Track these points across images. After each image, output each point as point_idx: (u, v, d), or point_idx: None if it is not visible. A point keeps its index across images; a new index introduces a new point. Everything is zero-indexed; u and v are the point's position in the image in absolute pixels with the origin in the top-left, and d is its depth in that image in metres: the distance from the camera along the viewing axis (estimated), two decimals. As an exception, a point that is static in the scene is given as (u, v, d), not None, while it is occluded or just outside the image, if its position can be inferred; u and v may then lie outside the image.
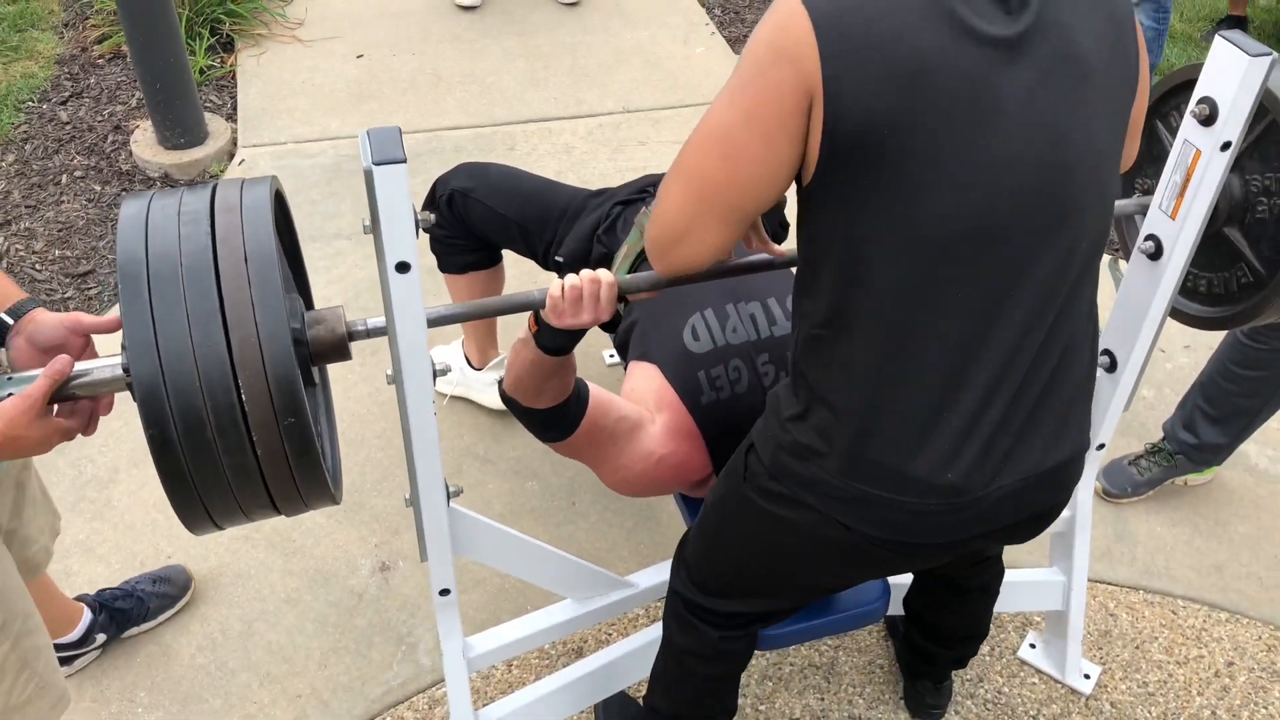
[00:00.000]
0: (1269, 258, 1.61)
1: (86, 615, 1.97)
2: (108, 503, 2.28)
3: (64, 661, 1.94)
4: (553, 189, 2.17)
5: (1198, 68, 1.52)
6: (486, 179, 2.14)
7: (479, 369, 2.49)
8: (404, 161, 1.12)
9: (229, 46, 3.81)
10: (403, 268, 1.18)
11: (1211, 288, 1.74)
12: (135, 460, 2.37)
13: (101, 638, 1.99)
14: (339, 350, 1.25)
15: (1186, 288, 1.77)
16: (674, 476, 1.69)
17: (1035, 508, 1.32)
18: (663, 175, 2.03)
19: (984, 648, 2.12)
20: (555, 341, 1.39)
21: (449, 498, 1.45)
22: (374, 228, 1.17)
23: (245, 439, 1.06)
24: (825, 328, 1.19)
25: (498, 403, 2.50)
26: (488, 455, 2.44)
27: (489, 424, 2.51)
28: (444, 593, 1.57)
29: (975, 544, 1.34)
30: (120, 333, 1.07)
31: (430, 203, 2.19)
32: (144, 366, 1.02)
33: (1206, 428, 2.32)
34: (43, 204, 3.11)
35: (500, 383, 1.55)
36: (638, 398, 1.71)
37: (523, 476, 2.40)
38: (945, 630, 1.83)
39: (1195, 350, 2.81)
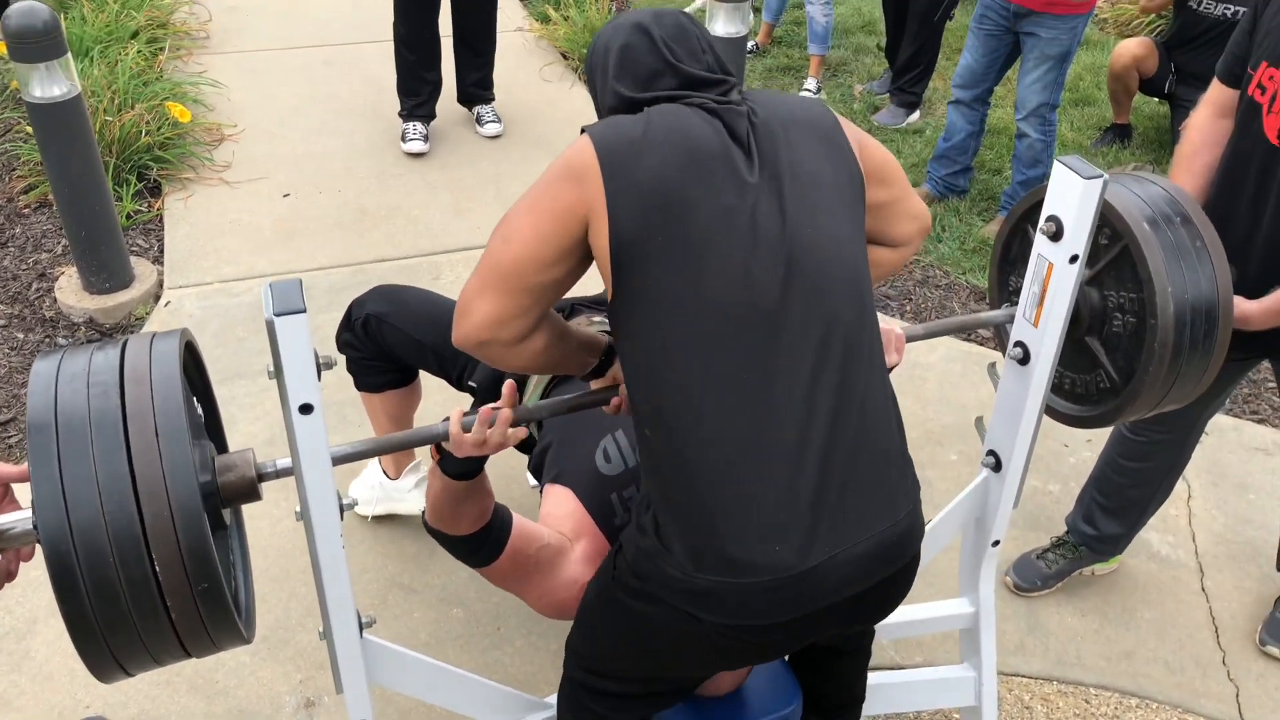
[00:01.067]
0: (1123, 368, 1.75)
1: None
2: (25, 654, 2.25)
3: None
4: None
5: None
6: (403, 304, 2.20)
7: (395, 479, 2.53)
8: (304, 311, 1.20)
9: (156, 191, 3.90)
10: (305, 409, 1.25)
11: (1075, 388, 1.87)
12: (54, 610, 2.34)
13: None
14: (249, 493, 1.30)
15: (1058, 386, 1.89)
16: None
17: (873, 576, 1.37)
18: (566, 300, 2.13)
19: (906, 748, 2.16)
20: (459, 468, 1.47)
21: (361, 628, 1.48)
22: (277, 374, 1.24)
23: (154, 588, 1.09)
24: (643, 429, 1.35)
25: (419, 507, 2.53)
26: (412, 584, 2.46)
27: (414, 552, 2.54)
28: (361, 725, 1.58)
29: (826, 624, 1.39)
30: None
31: (346, 325, 2.24)
32: (51, 521, 1.05)
33: (1104, 519, 2.43)
34: (-35, 352, 3.12)
35: (424, 514, 1.59)
36: (554, 523, 1.75)
37: (448, 604, 2.42)
38: (823, 700, 1.85)
39: (1096, 445, 2.95)
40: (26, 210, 3.78)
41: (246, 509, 2.62)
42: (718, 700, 1.78)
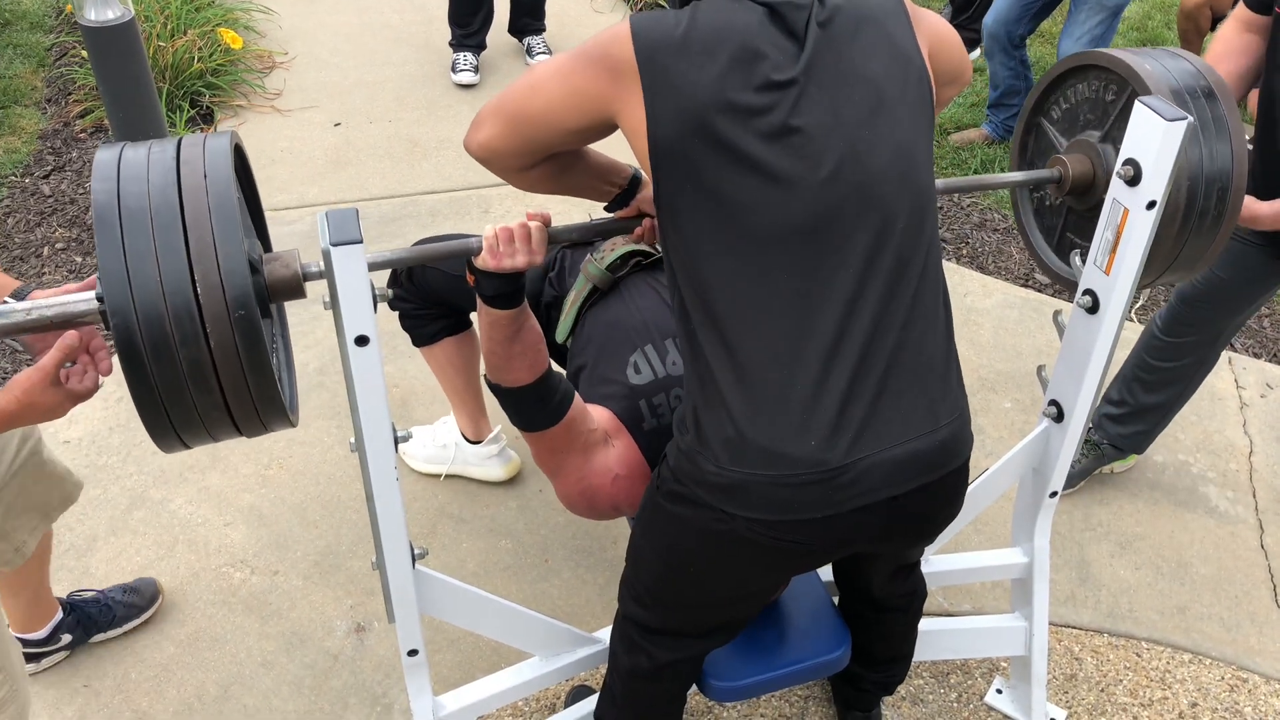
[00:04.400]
0: None
1: (56, 614, 2.05)
2: (85, 570, 2.31)
3: (30, 659, 2.03)
4: None
5: (1079, 58, 1.71)
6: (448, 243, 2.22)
7: (476, 443, 2.53)
8: (360, 242, 1.18)
9: (209, 118, 3.90)
10: (361, 341, 1.24)
11: (1085, 252, 1.77)
12: (114, 528, 2.40)
13: (67, 638, 2.08)
14: (293, 287, 1.29)
15: (1067, 251, 1.85)
16: (626, 501, 1.74)
17: (910, 481, 1.36)
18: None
19: (951, 694, 2.16)
20: (495, 288, 1.45)
21: (414, 560, 1.49)
22: (333, 305, 1.23)
23: (206, 354, 1.15)
24: (685, 318, 1.35)
25: (494, 475, 2.55)
26: (461, 515, 2.48)
27: (463, 484, 2.55)
28: (412, 653, 1.60)
29: (864, 529, 1.38)
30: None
31: (393, 280, 2.26)
32: (116, 293, 1.12)
33: (1129, 417, 2.51)
34: (25, 276, 3.16)
35: (485, 376, 1.59)
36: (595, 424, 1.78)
37: (496, 535, 2.44)
38: (870, 652, 1.86)
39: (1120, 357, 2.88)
40: (83, 135, 3.80)
41: (298, 438, 2.65)
42: (767, 643, 1.78)
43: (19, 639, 2.03)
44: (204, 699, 2.09)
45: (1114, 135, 1.69)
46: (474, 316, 2.32)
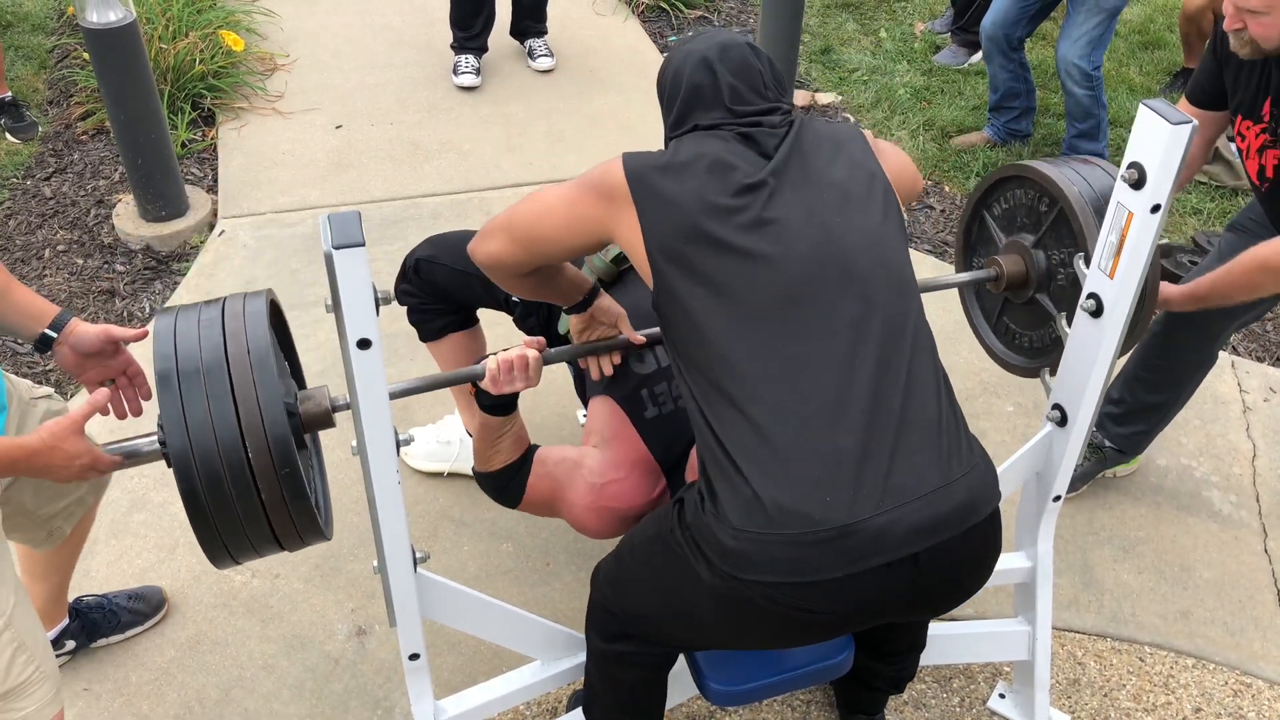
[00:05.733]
0: (1071, 316, 1.78)
1: (63, 620, 2.06)
2: (86, 573, 2.30)
3: None
4: None
5: (1012, 169, 1.87)
6: (445, 244, 2.26)
7: None
8: (363, 245, 1.18)
9: (210, 120, 3.90)
10: (364, 344, 1.24)
11: (1034, 343, 1.97)
12: (114, 532, 2.40)
13: (71, 644, 2.09)
14: (324, 420, 1.45)
15: (1014, 344, 2.03)
16: (623, 504, 1.79)
17: (930, 537, 1.34)
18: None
19: (954, 699, 2.15)
20: (493, 401, 1.63)
21: (415, 563, 1.48)
22: (335, 308, 1.23)
23: (252, 485, 1.32)
24: (694, 410, 1.43)
25: None
26: (463, 518, 2.48)
27: (464, 487, 2.55)
28: (413, 657, 1.59)
29: (887, 590, 1.36)
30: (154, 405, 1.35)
31: (402, 276, 2.27)
32: (176, 440, 1.30)
33: (1130, 418, 2.51)
34: (26, 278, 3.16)
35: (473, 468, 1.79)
36: (593, 428, 1.88)
37: (498, 538, 2.43)
38: (881, 646, 1.84)
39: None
40: (84, 137, 3.80)
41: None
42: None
43: None
44: (205, 702, 2.08)
45: (1046, 241, 1.86)
46: (480, 313, 2.35)
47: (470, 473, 2.56)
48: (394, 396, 1.34)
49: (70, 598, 2.13)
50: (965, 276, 1.93)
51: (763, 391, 1.35)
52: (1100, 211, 1.72)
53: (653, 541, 1.53)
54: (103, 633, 2.12)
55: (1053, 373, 1.88)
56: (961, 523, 1.37)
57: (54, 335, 1.56)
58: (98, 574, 2.30)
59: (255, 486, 1.31)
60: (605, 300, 1.79)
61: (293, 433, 1.33)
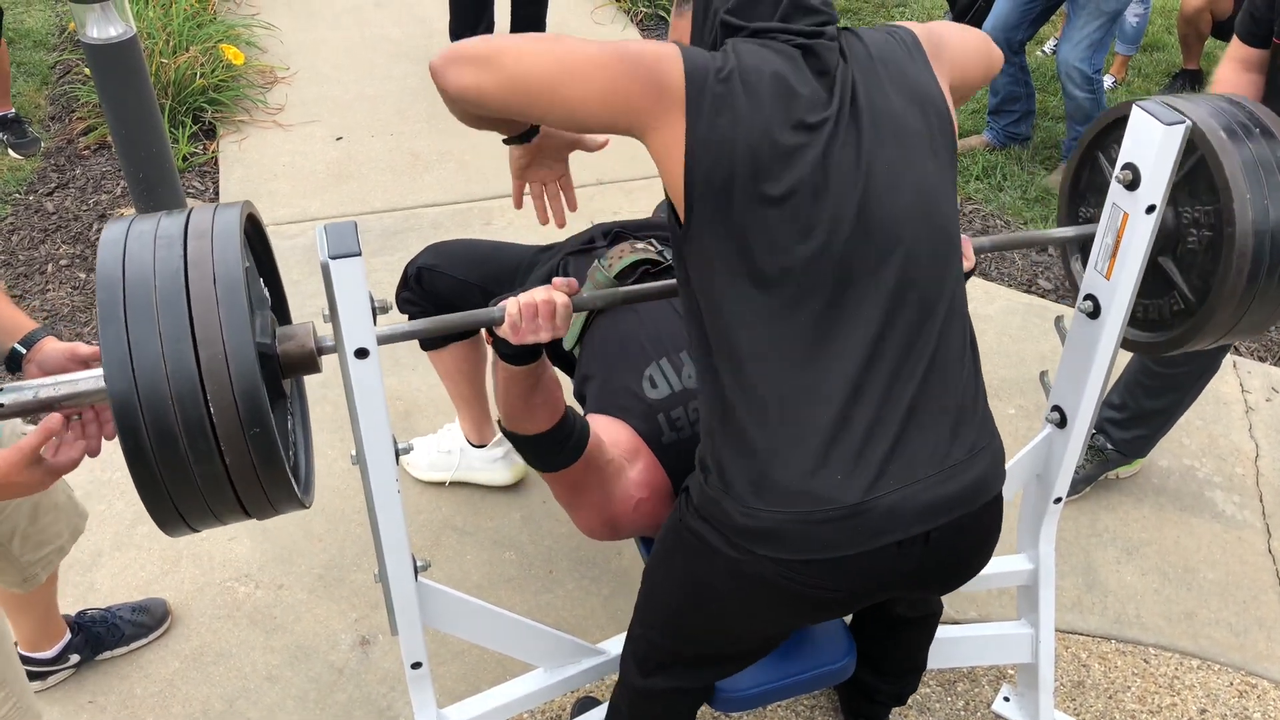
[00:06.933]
0: (1198, 286, 1.67)
1: (65, 635, 2.06)
2: (91, 586, 2.31)
3: (35, 677, 2.04)
4: (506, 250, 2.28)
5: (1127, 105, 1.60)
6: (447, 253, 2.25)
7: (480, 447, 2.53)
8: (359, 254, 1.18)
9: (211, 133, 3.92)
10: (361, 354, 1.24)
11: (1148, 314, 1.79)
12: (119, 543, 2.40)
13: (75, 658, 2.09)
14: (308, 363, 1.29)
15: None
16: (650, 524, 1.74)
17: (942, 515, 1.32)
18: (611, 225, 2.11)
19: (958, 702, 2.15)
20: (514, 348, 1.41)
21: (416, 572, 1.49)
22: (333, 317, 1.23)
23: (214, 448, 1.12)
24: (704, 360, 1.34)
25: (500, 479, 2.55)
26: (465, 527, 2.48)
27: (467, 494, 2.55)
28: (415, 666, 1.60)
29: (897, 568, 1.34)
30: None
31: (403, 284, 2.27)
32: (119, 381, 1.08)
33: (1132, 422, 2.50)
34: (29, 293, 3.18)
35: (499, 420, 1.57)
36: (610, 443, 1.72)
37: (501, 547, 2.44)
38: (882, 665, 1.85)
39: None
40: (86, 152, 3.81)
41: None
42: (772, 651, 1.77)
43: (28, 658, 2.03)
44: (209, 714, 2.08)
45: (1177, 195, 1.64)
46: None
47: (473, 482, 2.57)
48: (383, 341, 1.28)
49: (73, 611, 2.14)
50: (1069, 232, 1.72)
51: (780, 367, 1.28)
52: (1257, 165, 1.54)
53: (664, 540, 1.50)
54: (107, 646, 2.12)
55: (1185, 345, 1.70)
56: (974, 499, 1.34)
57: (23, 351, 1.45)
58: (102, 586, 2.31)
59: (218, 449, 1.12)
60: (553, 131, 1.53)
61: (268, 380, 1.14)
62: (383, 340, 1.29)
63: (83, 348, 1.44)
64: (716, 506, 1.34)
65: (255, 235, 1.37)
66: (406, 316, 2.31)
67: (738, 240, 1.26)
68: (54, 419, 1.22)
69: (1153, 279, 1.74)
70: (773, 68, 1.27)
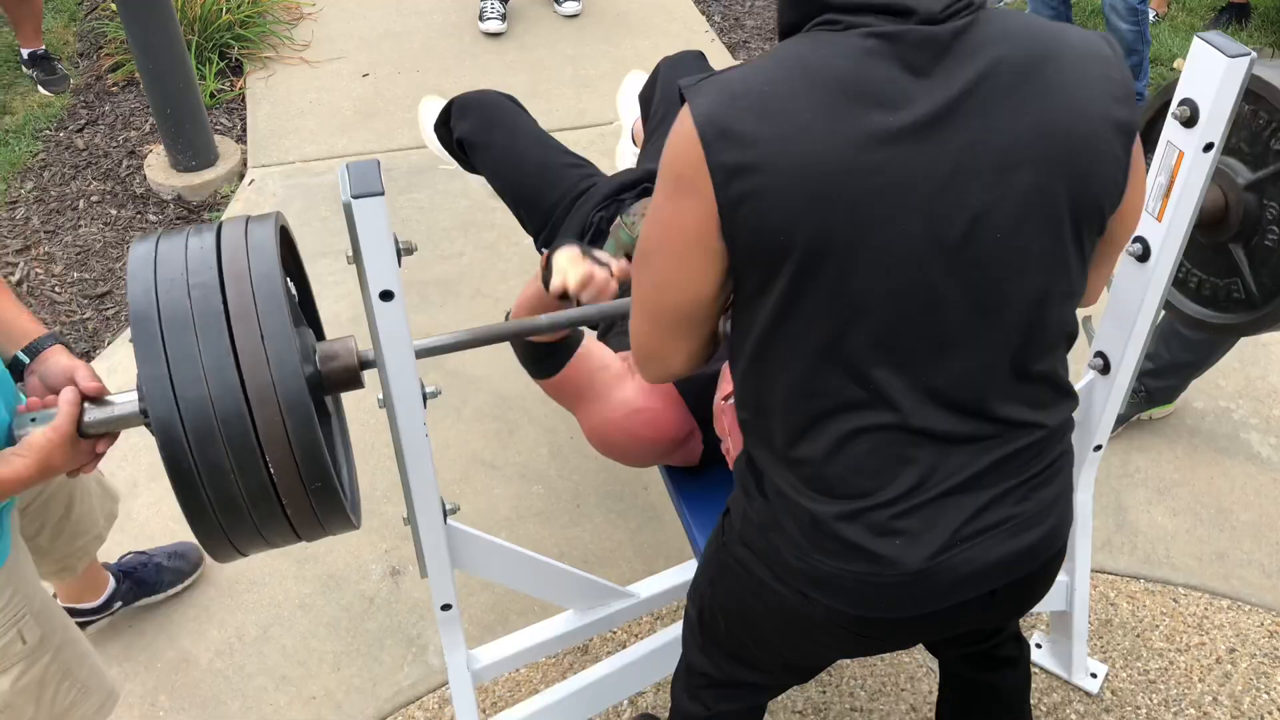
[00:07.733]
0: (1266, 285, 1.61)
1: (111, 583, 2.11)
2: (128, 515, 2.35)
3: (82, 626, 2.07)
4: (546, 180, 2.27)
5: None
6: (491, 149, 2.32)
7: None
8: (382, 194, 1.17)
9: (238, 70, 3.89)
10: (386, 296, 1.23)
11: (1202, 288, 1.74)
12: (154, 474, 2.44)
13: (119, 605, 2.13)
14: (350, 380, 1.29)
15: (1181, 281, 1.78)
16: (651, 433, 1.75)
17: (1009, 575, 1.21)
18: (638, 175, 2.17)
19: (983, 641, 2.15)
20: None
21: (445, 515, 1.49)
22: (356, 259, 1.22)
23: (267, 482, 1.12)
24: (754, 414, 1.20)
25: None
26: (494, 461, 2.50)
27: (495, 429, 2.57)
28: (445, 608, 1.61)
29: (960, 620, 1.27)
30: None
31: (443, 123, 2.40)
32: (161, 408, 1.07)
33: (1166, 369, 2.46)
34: (61, 229, 3.20)
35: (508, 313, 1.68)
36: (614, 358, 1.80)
37: (529, 481, 2.45)
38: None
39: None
40: (115, 89, 3.81)
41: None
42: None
43: (73, 609, 2.06)
44: (244, 639, 2.14)
45: (1265, 185, 1.53)
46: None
47: (498, 398, 2.58)
48: (427, 354, 1.32)
49: (113, 545, 2.18)
50: None
51: (845, 428, 1.11)
52: None
53: (711, 562, 1.41)
54: (147, 591, 2.16)
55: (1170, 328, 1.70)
56: (1041, 556, 1.22)
57: (26, 360, 1.35)
58: (139, 515, 2.36)
59: (270, 480, 1.09)
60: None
61: (315, 403, 1.11)
62: (423, 353, 1.32)
63: (82, 377, 1.28)
64: (768, 543, 1.23)
65: (286, 249, 1.31)
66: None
67: (779, 309, 1.08)
68: (71, 392, 1.21)
69: (1217, 258, 1.66)
70: (832, 75, 1.00)
